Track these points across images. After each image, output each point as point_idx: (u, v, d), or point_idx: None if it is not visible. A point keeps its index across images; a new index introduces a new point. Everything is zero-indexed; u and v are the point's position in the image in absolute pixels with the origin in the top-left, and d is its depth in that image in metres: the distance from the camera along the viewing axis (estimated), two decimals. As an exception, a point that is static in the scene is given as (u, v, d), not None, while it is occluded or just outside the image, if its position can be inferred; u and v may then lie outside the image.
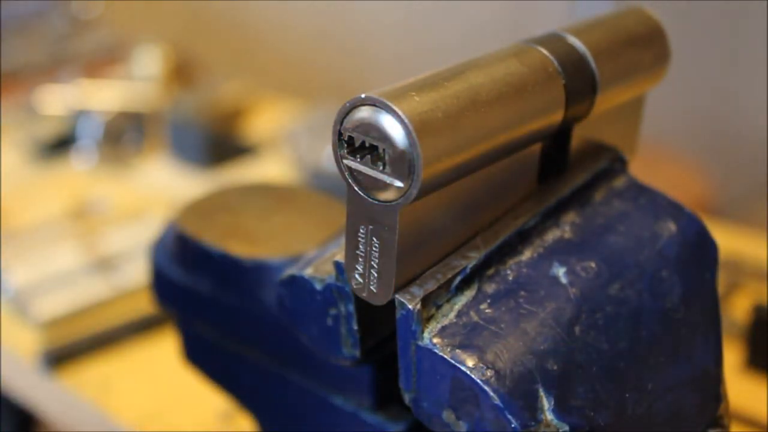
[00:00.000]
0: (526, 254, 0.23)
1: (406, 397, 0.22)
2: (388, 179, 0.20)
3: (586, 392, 0.21)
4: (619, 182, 0.27)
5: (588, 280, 0.23)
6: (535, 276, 0.23)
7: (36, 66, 0.82)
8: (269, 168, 0.69)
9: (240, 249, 0.32)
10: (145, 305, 0.48)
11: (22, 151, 0.71)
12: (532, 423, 0.20)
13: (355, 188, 0.21)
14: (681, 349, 0.24)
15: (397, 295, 0.21)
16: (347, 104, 0.20)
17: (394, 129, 0.19)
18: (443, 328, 0.21)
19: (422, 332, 0.21)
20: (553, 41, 0.24)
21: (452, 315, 0.21)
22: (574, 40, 0.24)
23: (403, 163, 0.19)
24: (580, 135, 0.26)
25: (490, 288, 0.22)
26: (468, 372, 0.20)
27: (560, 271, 0.23)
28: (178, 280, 0.33)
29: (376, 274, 0.21)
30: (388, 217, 0.20)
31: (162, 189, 0.66)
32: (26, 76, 0.81)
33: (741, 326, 0.46)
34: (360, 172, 0.20)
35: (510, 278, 0.23)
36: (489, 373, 0.20)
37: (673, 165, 1.02)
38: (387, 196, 0.20)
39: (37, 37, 0.87)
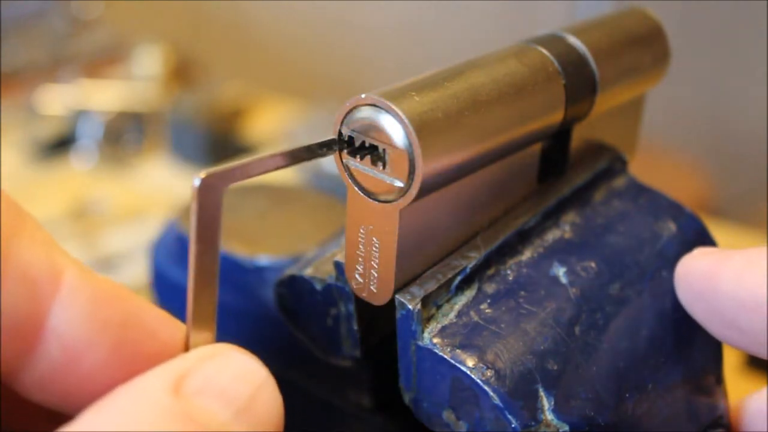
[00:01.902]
0: (526, 254, 0.23)
1: (406, 397, 0.22)
2: (388, 179, 0.20)
3: (586, 392, 0.21)
4: (619, 182, 0.27)
5: (588, 280, 0.23)
6: (535, 276, 0.23)
7: (36, 66, 0.82)
8: (269, 168, 0.69)
9: (240, 249, 0.32)
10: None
11: (22, 151, 0.71)
12: (532, 423, 0.20)
13: (355, 188, 0.21)
14: (681, 349, 0.24)
15: (397, 295, 0.21)
16: (347, 104, 0.20)
17: (394, 129, 0.19)
18: (443, 328, 0.21)
19: (422, 332, 0.21)
20: (553, 41, 0.24)
21: (452, 315, 0.21)
22: (574, 40, 0.24)
23: (403, 163, 0.19)
24: (580, 135, 0.26)
25: (490, 288, 0.22)
26: (468, 372, 0.20)
27: (560, 271, 0.23)
28: (178, 280, 0.33)
29: (376, 274, 0.21)
30: (388, 217, 0.20)
31: (162, 189, 0.66)
32: (26, 76, 0.81)
33: (741, 326, 0.46)
34: (360, 172, 0.20)
35: (510, 278, 0.23)
36: (489, 373, 0.20)
37: (673, 165, 1.02)
38: (387, 196, 0.20)
39: (37, 37, 0.87)
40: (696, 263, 0.23)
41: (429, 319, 0.21)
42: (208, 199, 0.18)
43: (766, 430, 0.25)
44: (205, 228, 0.18)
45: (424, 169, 0.19)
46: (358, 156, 0.20)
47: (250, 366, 0.19)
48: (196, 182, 0.18)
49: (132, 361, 0.18)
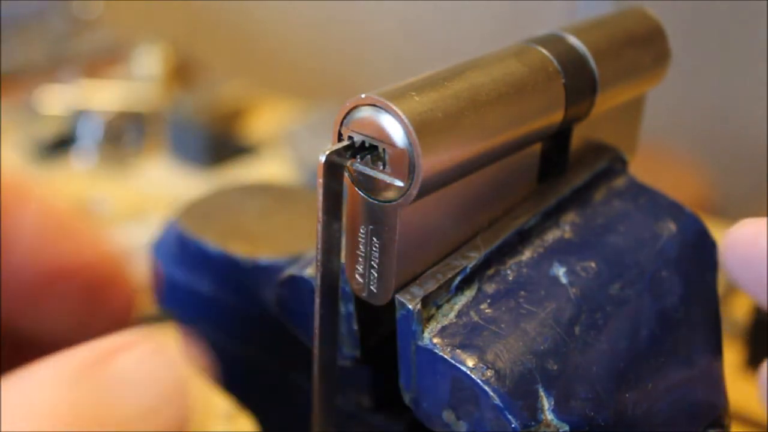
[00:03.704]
0: (526, 254, 0.23)
1: (406, 397, 0.22)
2: (388, 179, 0.20)
3: (586, 392, 0.21)
4: (619, 182, 0.27)
5: (588, 280, 0.23)
6: (535, 276, 0.23)
7: (36, 66, 0.82)
8: (269, 168, 0.69)
9: (240, 249, 0.32)
10: (145, 305, 0.47)
11: (23, 151, 0.71)
12: (532, 423, 0.20)
13: (355, 188, 0.21)
14: (681, 349, 0.24)
15: (397, 295, 0.21)
16: (347, 104, 0.20)
17: (394, 129, 0.19)
18: (443, 328, 0.21)
19: (422, 332, 0.21)
20: (553, 41, 0.24)
21: (452, 315, 0.21)
22: (574, 40, 0.24)
23: (403, 163, 0.19)
24: (580, 135, 0.26)
25: (490, 288, 0.22)
26: (468, 372, 0.20)
27: (560, 271, 0.23)
28: (178, 280, 0.33)
29: (376, 274, 0.21)
30: (388, 217, 0.20)
31: (162, 189, 0.66)
32: (26, 76, 0.81)
33: (741, 326, 0.46)
34: (360, 172, 0.20)
35: (510, 278, 0.23)
36: (489, 373, 0.20)
37: (673, 165, 1.02)
38: (387, 196, 0.20)
39: (37, 37, 0.87)
40: (741, 232, 0.23)
41: (429, 319, 0.21)
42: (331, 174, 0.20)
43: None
44: (329, 200, 0.20)
45: (424, 169, 0.19)
46: (358, 156, 0.20)
47: (169, 361, 0.18)
48: (322, 159, 0.20)
49: None
